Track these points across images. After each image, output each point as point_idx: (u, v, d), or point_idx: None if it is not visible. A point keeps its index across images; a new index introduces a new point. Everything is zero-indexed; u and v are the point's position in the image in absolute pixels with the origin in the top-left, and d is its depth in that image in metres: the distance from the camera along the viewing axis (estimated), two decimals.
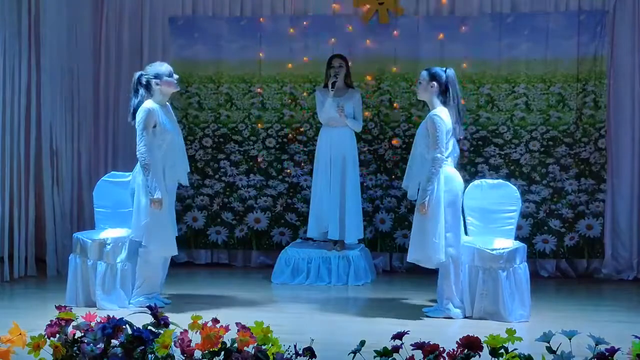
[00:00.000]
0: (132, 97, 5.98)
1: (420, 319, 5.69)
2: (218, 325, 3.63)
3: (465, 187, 6.04)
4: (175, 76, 6.02)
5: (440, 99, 5.81)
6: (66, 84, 7.63)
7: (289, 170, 7.94)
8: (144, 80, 5.93)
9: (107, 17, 8.09)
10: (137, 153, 5.82)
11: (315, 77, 7.84)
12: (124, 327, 3.65)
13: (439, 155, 5.62)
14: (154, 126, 5.83)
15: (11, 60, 6.99)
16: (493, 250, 5.73)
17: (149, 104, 5.87)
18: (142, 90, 5.92)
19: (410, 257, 5.87)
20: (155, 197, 5.79)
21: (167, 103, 6.07)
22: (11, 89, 7.00)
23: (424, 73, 5.88)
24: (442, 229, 5.65)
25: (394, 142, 7.81)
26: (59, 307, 3.82)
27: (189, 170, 6.22)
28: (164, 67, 5.98)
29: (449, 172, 5.75)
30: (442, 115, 5.70)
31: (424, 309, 5.91)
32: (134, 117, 5.93)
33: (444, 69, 5.88)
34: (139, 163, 5.87)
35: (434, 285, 6.82)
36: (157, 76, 5.91)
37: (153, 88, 5.92)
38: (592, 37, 7.54)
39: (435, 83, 5.80)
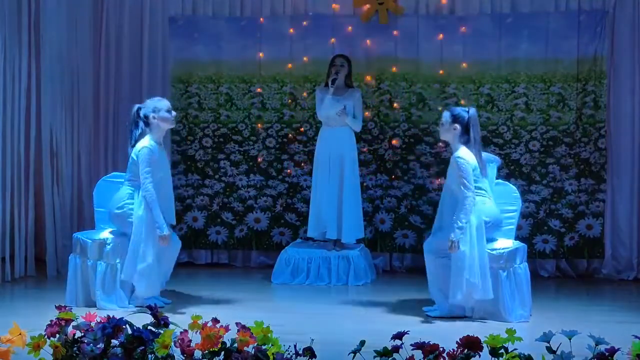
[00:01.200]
0: (132, 129, 6.04)
1: (420, 319, 5.68)
2: (218, 325, 3.63)
3: None
4: (174, 113, 6.08)
5: (463, 139, 5.76)
6: (66, 84, 7.62)
7: (289, 170, 7.95)
8: (142, 114, 6.00)
9: (107, 17, 8.09)
10: (144, 191, 5.83)
11: (315, 77, 7.84)
12: (124, 327, 3.65)
13: (469, 194, 5.57)
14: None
15: (11, 60, 6.98)
16: (493, 250, 5.72)
17: (148, 142, 5.92)
18: (141, 123, 5.99)
19: (454, 300, 5.67)
20: (164, 233, 5.82)
21: (161, 142, 6.13)
22: (11, 89, 6.99)
23: (447, 115, 5.82)
24: (477, 266, 5.54)
25: (394, 142, 7.81)
26: (59, 307, 3.82)
27: (174, 211, 6.29)
28: (162, 103, 6.06)
29: (481, 200, 5.72)
30: (466, 156, 5.67)
31: (424, 308, 5.90)
32: (133, 148, 6.01)
33: (467, 109, 5.83)
34: (135, 198, 5.91)
35: None
36: (155, 110, 5.97)
37: (151, 122, 5.98)
38: (592, 37, 7.54)
39: (457, 125, 5.74)
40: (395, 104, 7.81)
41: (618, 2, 7.55)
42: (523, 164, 7.66)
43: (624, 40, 7.56)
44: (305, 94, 7.91)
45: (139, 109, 6.03)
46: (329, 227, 7.17)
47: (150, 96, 8.10)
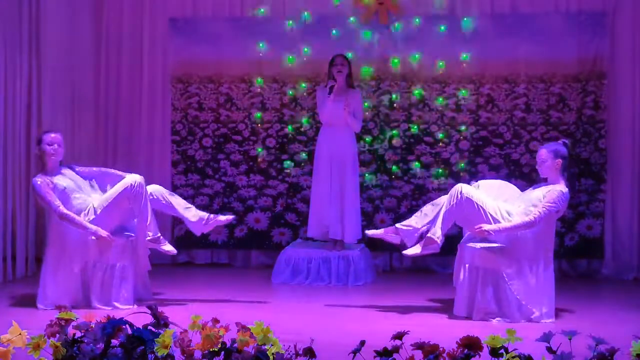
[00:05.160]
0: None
1: (420, 319, 5.68)
2: (218, 325, 3.63)
3: None
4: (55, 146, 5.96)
5: (565, 174, 5.73)
6: (66, 84, 7.62)
7: (288, 170, 7.95)
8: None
9: (107, 17, 8.10)
10: (56, 216, 5.84)
11: (315, 76, 7.84)
12: (124, 327, 3.65)
13: (536, 222, 5.52)
14: None
15: (11, 60, 6.99)
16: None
17: (38, 177, 5.94)
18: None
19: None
20: (103, 234, 5.86)
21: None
22: (12, 89, 6.99)
23: (546, 152, 5.70)
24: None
25: (394, 142, 7.81)
26: (59, 307, 3.82)
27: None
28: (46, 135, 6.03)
29: None
30: (566, 196, 5.60)
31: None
32: None
33: (561, 142, 5.80)
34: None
35: (433, 285, 6.84)
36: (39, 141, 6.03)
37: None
38: (592, 37, 7.54)
39: (560, 160, 5.67)
40: (395, 104, 7.81)
41: (618, 2, 7.56)
42: (523, 164, 7.66)
43: (624, 40, 7.57)
44: (305, 93, 7.91)
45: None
46: (332, 227, 7.17)
47: (151, 95, 8.16)
